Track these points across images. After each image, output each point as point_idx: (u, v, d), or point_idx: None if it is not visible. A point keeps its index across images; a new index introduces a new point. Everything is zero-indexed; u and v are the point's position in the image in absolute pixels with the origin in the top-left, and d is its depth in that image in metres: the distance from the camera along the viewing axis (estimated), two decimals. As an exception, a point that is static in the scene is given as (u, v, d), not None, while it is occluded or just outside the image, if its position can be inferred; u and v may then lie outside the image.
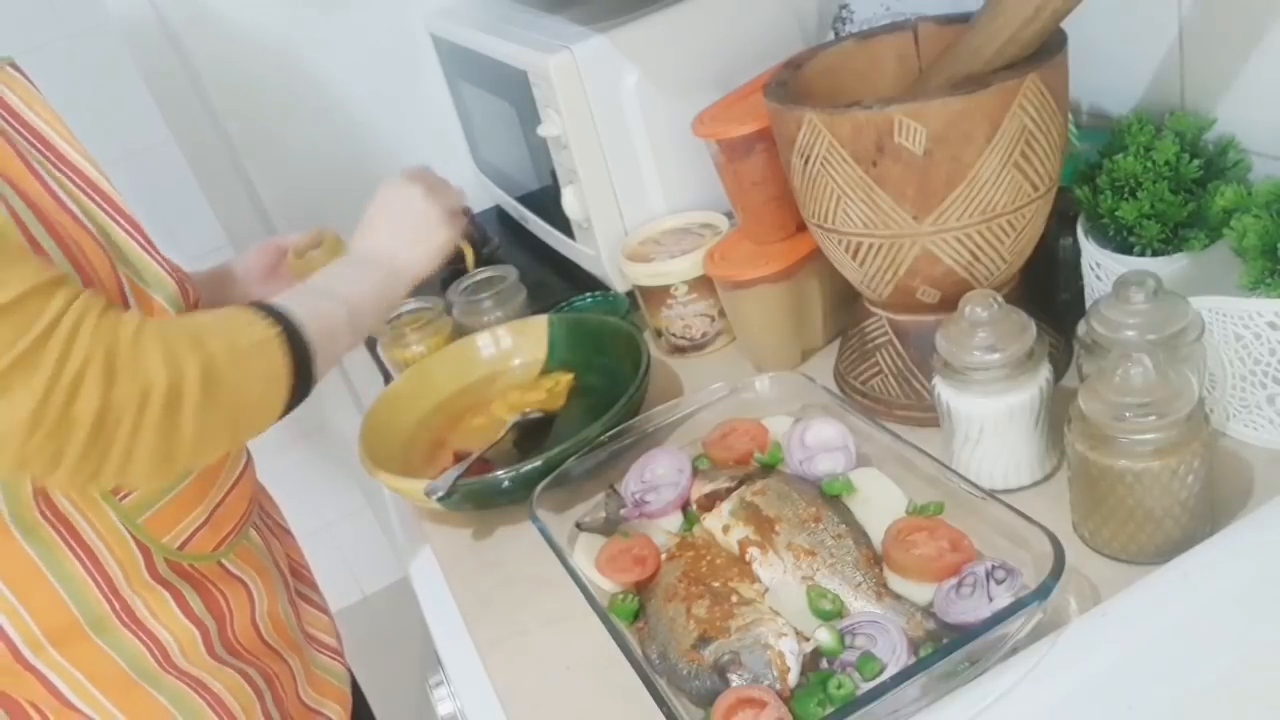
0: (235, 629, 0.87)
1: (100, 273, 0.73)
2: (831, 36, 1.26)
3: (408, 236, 0.94)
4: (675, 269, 1.11)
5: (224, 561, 0.87)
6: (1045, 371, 0.79)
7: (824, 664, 0.68)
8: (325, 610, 1.05)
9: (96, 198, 0.78)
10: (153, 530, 0.80)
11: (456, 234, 0.99)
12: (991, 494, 0.73)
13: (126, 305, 0.75)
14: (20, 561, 0.75)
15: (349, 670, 1.06)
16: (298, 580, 1.02)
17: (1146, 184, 0.82)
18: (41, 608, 0.76)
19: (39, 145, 0.77)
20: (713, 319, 1.14)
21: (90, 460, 0.63)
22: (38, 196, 0.71)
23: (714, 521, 0.82)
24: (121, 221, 0.79)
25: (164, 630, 0.82)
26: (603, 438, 0.92)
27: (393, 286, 0.91)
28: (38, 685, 0.78)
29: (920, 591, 0.71)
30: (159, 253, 0.81)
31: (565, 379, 1.12)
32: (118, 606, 0.79)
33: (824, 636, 0.69)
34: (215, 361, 0.68)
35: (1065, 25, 0.80)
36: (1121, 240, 0.84)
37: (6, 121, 0.75)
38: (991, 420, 0.79)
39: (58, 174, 0.76)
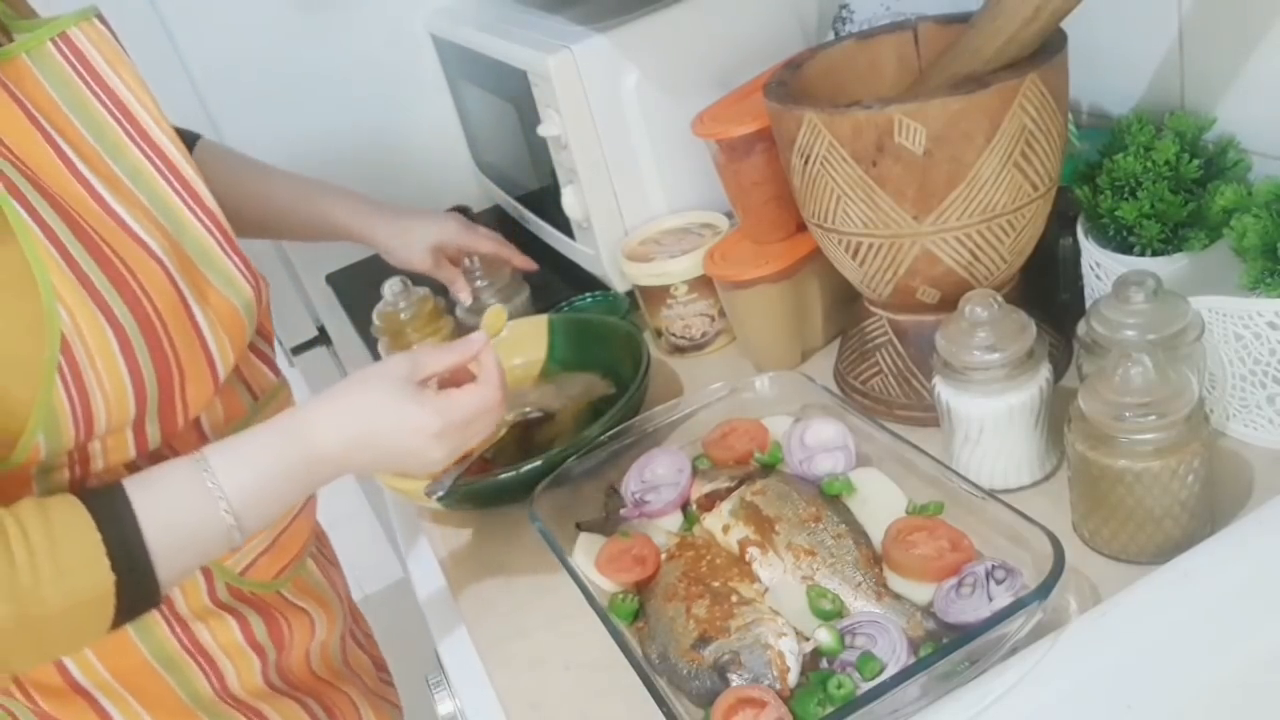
0: (292, 659, 0.85)
1: (152, 289, 0.66)
2: (831, 36, 1.26)
3: (384, 465, 0.74)
4: (675, 269, 1.11)
5: (283, 591, 0.85)
6: (1045, 371, 0.79)
7: (824, 664, 0.68)
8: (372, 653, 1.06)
9: (176, 184, 0.71)
10: None
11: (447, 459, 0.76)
12: (991, 494, 0.73)
13: (190, 315, 0.69)
14: None
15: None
16: (355, 622, 1.00)
17: (1146, 184, 0.82)
18: (107, 648, 0.73)
19: (119, 115, 0.70)
20: (713, 319, 1.14)
21: None
22: (81, 206, 0.65)
23: (714, 521, 0.82)
24: (200, 215, 0.72)
25: (224, 657, 0.79)
26: (603, 438, 0.92)
27: (318, 484, 0.72)
28: (87, 709, 0.75)
29: (920, 591, 0.71)
30: (237, 253, 0.73)
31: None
32: (179, 631, 0.77)
33: (824, 636, 0.69)
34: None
35: (1065, 25, 0.80)
36: (1121, 240, 0.84)
37: (89, 85, 0.68)
38: (991, 420, 0.79)
39: (135, 154, 0.69)
